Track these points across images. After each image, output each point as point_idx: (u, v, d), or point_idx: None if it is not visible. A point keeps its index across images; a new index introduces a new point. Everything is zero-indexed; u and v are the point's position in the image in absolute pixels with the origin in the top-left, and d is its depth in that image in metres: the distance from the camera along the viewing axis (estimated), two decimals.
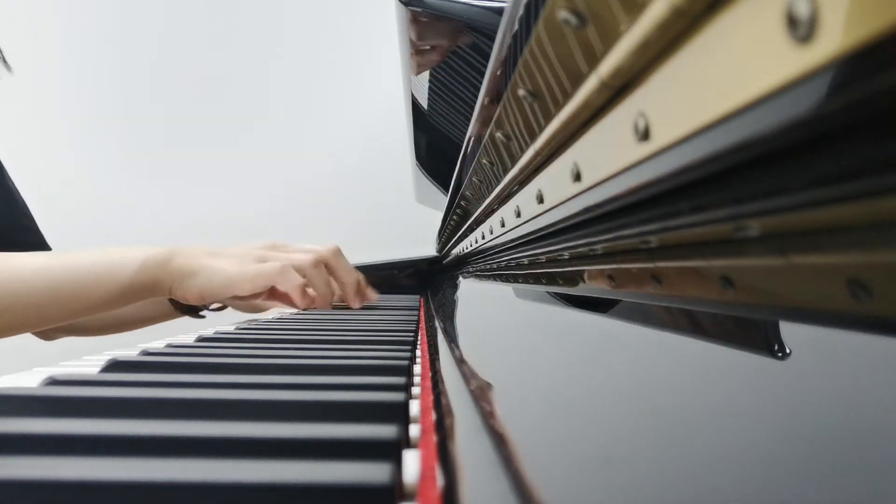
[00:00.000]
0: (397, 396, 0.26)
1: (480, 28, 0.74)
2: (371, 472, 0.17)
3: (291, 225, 1.78)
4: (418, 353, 0.44)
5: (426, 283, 1.21)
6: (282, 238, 0.80)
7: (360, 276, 0.81)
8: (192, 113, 1.86)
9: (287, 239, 0.80)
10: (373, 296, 0.85)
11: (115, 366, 0.35)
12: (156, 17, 1.86)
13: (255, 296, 0.72)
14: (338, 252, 0.78)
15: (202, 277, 0.69)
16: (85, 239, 1.63)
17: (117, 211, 1.83)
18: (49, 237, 0.98)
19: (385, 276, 1.09)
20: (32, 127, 1.85)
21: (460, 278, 0.83)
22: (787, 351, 0.14)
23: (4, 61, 0.92)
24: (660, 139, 0.15)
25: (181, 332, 0.62)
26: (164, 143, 1.86)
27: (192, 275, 0.70)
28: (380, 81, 1.71)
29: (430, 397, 0.29)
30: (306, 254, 0.75)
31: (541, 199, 0.29)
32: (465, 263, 0.84)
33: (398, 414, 0.25)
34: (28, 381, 0.32)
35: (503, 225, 0.42)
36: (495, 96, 0.33)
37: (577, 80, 0.19)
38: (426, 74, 0.88)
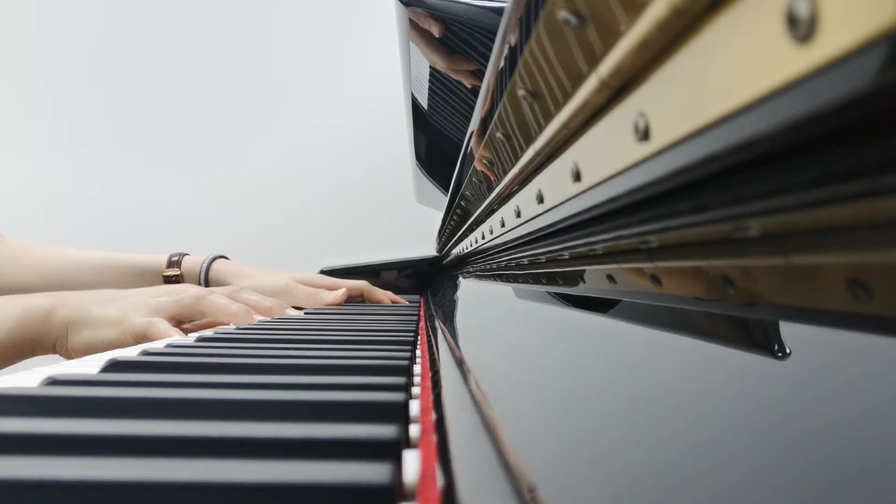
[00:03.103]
0: (397, 396, 0.26)
1: (480, 28, 0.74)
2: (371, 472, 0.17)
3: (291, 225, 1.78)
4: (418, 353, 0.44)
5: (426, 283, 1.21)
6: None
7: (275, 303, 0.72)
8: (190, 112, 1.86)
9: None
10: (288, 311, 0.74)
11: (114, 366, 0.35)
12: (146, 9, 1.86)
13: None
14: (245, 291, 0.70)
15: (87, 332, 0.60)
16: (76, 239, 1.63)
17: (115, 208, 1.83)
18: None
19: (385, 277, 1.09)
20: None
21: (460, 278, 0.83)
22: (787, 351, 0.14)
23: None
24: (660, 139, 0.15)
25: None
26: (162, 143, 1.86)
27: (77, 329, 0.60)
28: (380, 81, 1.71)
29: (430, 397, 0.29)
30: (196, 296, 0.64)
31: (541, 199, 0.29)
32: (465, 263, 0.84)
33: (398, 414, 0.25)
34: (28, 381, 0.32)
35: (503, 225, 0.42)
36: (495, 96, 0.33)
37: (577, 80, 0.19)
38: (426, 74, 0.88)
